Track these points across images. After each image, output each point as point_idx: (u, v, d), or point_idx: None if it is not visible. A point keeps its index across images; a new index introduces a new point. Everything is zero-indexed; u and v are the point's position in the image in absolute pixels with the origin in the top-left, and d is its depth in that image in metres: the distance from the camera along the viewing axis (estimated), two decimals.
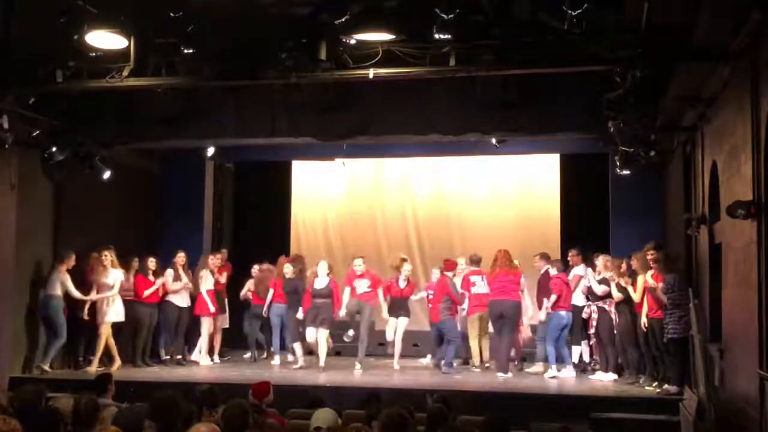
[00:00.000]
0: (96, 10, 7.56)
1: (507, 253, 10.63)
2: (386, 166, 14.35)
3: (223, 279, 11.83)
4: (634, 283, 9.53)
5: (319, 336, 10.63)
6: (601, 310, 9.99)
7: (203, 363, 11.41)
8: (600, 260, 10.12)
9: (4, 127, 9.07)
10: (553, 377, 10.22)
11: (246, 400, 5.36)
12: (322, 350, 10.70)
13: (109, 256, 10.60)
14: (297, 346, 10.95)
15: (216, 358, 11.88)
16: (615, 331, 9.91)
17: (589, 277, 10.18)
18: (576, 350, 10.81)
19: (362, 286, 10.93)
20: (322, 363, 10.61)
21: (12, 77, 8.85)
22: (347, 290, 10.95)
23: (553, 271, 10.54)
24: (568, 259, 10.91)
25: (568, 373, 10.35)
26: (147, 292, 11.10)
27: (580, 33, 7.26)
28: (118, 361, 10.61)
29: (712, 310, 8.06)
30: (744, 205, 6.24)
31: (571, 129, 10.13)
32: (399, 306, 10.99)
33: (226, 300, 12.00)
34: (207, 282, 11.42)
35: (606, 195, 11.96)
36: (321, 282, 10.79)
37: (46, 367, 10.03)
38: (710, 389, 7.11)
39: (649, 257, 9.31)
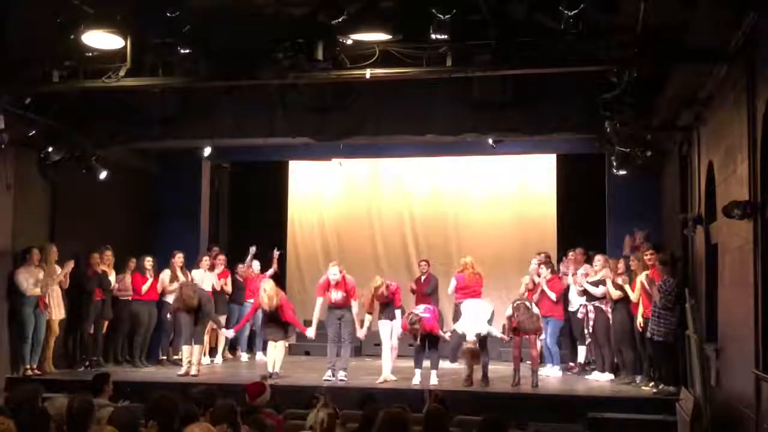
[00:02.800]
0: (92, 10, 7.55)
1: None
2: (383, 167, 14.35)
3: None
4: (632, 283, 9.55)
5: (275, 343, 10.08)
6: (597, 309, 10.00)
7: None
8: (597, 260, 10.12)
9: (0, 127, 9.05)
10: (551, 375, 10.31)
11: (235, 401, 5.36)
12: (279, 355, 10.09)
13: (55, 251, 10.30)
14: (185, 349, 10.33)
15: (218, 358, 11.88)
16: (611, 331, 9.93)
17: (583, 282, 10.16)
18: (581, 350, 10.81)
19: (337, 296, 9.88)
20: (277, 369, 9.97)
21: (8, 77, 8.83)
22: (319, 301, 9.96)
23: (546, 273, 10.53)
24: (570, 258, 10.88)
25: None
26: (144, 287, 11.12)
27: (576, 33, 7.26)
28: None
29: (708, 310, 8.07)
30: (740, 205, 6.26)
31: (567, 129, 10.13)
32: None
33: (226, 301, 12.03)
34: (205, 283, 11.39)
35: (603, 195, 11.97)
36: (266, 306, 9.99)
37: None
38: (706, 389, 7.11)
39: (647, 257, 9.33)
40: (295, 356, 12.60)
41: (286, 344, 10.68)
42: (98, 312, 10.78)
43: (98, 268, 10.77)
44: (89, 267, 10.71)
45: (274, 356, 10.08)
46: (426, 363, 9.75)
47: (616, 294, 9.70)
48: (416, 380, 9.55)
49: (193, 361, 10.18)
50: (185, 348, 10.31)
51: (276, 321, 10.05)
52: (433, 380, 9.49)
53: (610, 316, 9.89)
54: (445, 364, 10.40)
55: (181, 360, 11.42)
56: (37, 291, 9.89)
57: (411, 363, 9.90)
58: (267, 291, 9.85)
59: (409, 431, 4.61)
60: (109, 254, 10.92)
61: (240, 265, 12.35)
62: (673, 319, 8.44)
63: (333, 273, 9.85)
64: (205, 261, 11.77)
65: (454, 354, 10.57)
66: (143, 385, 8.98)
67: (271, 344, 10.17)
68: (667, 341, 8.52)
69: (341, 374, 9.80)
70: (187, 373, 10.09)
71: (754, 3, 5.82)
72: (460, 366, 10.35)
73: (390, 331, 9.96)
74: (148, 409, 4.66)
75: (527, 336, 9.56)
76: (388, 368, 9.85)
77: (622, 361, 9.92)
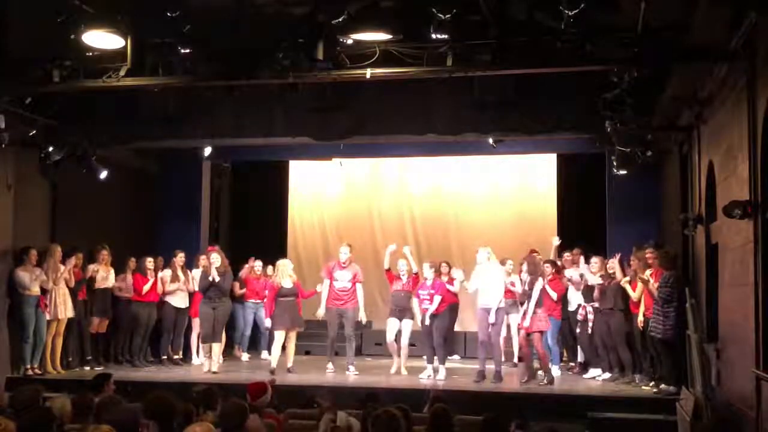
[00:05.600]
0: (92, 9, 7.56)
1: None
2: (383, 166, 14.37)
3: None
4: (632, 282, 9.55)
5: (288, 336, 10.52)
6: (596, 310, 10.00)
7: (195, 362, 11.48)
8: (594, 262, 10.10)
9: (0, 126, 9.06)
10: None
11: (244, 400, 5.37)
12: (291, 350, 10.58)
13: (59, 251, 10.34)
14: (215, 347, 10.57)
15: (219, 358, 11.87)
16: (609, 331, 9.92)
17: (584, 272, 10.14)
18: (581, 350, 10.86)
19: (343, 278, 10.46)
20: (290, 363, 10.50)
21: (8, 77, 8.83)
22: (326, 283, 10.46)
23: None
24: (567, 258, 10.89)
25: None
26: (145, 288, 11.09)
27: (576, 33, 7.27)
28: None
29: (708, 310, 8.07)
30: (740, 205, 6.26)
31: (568, 129, 10.12)
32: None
33: None
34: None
35: (603, 195, 11.97)
36: (288, 282, 10.56)
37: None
38: (707, 389, 7.12)
39: (647, 256, 9.32)
40: (296, 356, 12.57)
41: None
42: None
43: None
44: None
45: (289, 350, 10.52)
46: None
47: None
48: (425, 374, 9.94)
49: (214, 358, 10.44)
50: (215, 345, 10.46)
51: (293, 306, 10.47)
52: (441, 374, 9.91)
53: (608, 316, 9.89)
54: (453, 363, 10.55)
55: (181, 360, 11.49)
56: (37, 290, 9.89)
57: (416, 362, 10.04)
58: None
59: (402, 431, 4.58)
60: (105, 253, 10.89)
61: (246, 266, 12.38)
62: (673, 314, 8.42)
63: (343, 252, 10.58)
64: (203, 260, 11.70)
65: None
66: (145, 384, 8.97)
67: (286, 337, 10.44)
68: (666, 338, 8.51)
69: (351, 369, 10.25)
70: (209, 370, 10.33)
71: (754, 3, 5.82)
72: (466, 365, 10.66)
73: (397, 331, 10.35)
74: (146, 409, 4.66)
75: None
76: (401, 363, 10.36)
77: (619, 361, 9.92)
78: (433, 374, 10.00)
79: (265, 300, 11.13)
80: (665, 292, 8.49)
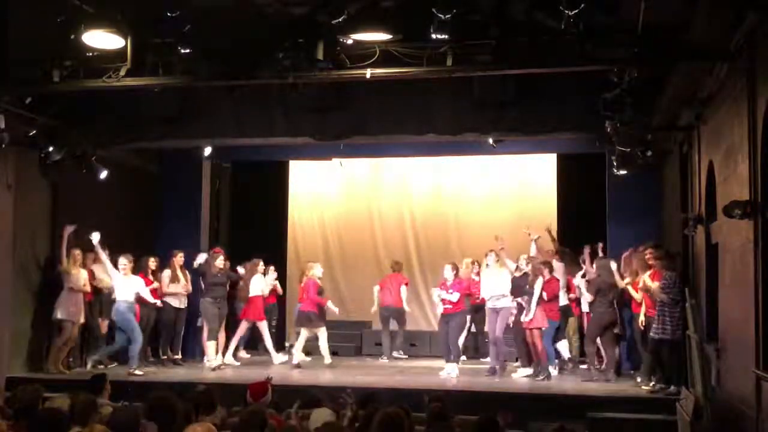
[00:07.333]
0: (92, 9, 7.56)
1: None
2: (383, 166, 14.36)
3: None
4: (634, 282, 9.57)
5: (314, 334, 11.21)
6: (519, 306, 10.11)
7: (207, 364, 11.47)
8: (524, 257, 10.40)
9: (0, 127, 9.06)
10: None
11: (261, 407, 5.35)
12: (324, 347, 11.21)
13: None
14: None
15: (219, 358, 11.88)
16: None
17: (581, 284, 10.20)
18: (563, 346, 10.93)
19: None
20: (328, 360, 11.16)
21: (9, 77, 8.84)
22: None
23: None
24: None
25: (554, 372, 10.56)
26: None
27: (576, 33, 7.27)
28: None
29: (708, 310, 8.07)
30: (740, 205, 6.26)
31: (568, 129, 10.13)
32: None
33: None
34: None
35: (603, 195, 11.96)
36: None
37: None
38: (707, 389, 7.11)
39: (647, 257, 9.32)
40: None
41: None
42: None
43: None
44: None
45: (323, 346, 11.19)
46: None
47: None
48: (451, 373, 10.28)
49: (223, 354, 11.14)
50: (212, 344, 10.91)
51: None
52: (445, 372, 10.27)
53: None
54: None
55: (180, 360, 11.49)
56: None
57: (416, 362, 10.11)
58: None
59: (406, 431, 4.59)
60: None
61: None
62: (678, 315, 8.43)
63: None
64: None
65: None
66: (145, 385, 8.97)
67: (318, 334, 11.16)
68: (675, 339, 8.50)
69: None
70: (218, 367, 10.86)
71: (754, 3, 5.82)
72: (467, 366, 10.77)
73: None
74: (147, 409, 4.66)
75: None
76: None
77: (607, 359, 9.99)
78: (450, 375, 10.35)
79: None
80: (674, 293, 8.49)
